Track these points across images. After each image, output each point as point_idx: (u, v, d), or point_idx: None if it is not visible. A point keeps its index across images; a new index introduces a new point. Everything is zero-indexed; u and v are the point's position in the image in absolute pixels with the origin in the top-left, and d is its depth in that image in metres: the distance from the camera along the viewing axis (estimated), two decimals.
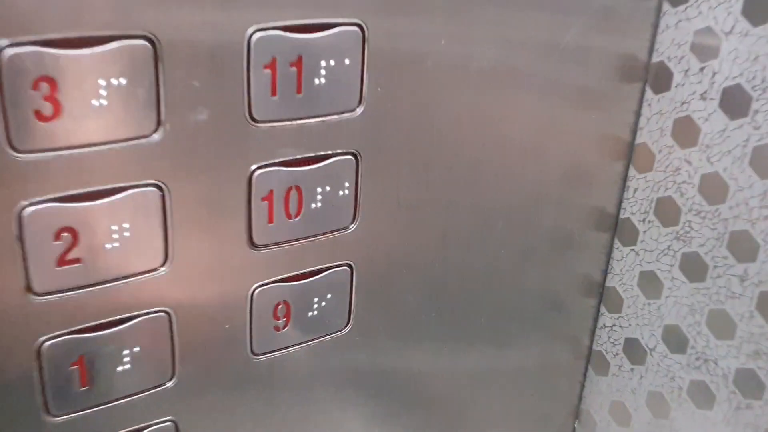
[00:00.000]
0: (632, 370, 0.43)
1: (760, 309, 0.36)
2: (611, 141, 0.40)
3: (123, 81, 0.24)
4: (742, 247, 0.36)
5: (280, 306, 0.31)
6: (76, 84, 0.23)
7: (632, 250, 0.42)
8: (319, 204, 0.30)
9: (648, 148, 0.40)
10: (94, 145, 0.25)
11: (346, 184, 0.31)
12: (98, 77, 0.24)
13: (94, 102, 0.24)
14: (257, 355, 0.32)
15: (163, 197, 0.27)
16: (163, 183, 0.26)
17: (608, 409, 0.45)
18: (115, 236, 0.26)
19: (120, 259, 0.27)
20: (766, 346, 0.36)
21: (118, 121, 0.25)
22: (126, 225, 0.26)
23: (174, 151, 0.26)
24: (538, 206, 0.39)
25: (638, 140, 0.40)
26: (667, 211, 0.39)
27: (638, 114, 0.40)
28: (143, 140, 0.25)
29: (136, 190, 0.26)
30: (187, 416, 0.31)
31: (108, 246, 0.26)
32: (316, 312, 0.33)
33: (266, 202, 0.29)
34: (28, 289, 0.25)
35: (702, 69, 0.36)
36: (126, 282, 0.27)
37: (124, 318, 0.28)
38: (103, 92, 0.24)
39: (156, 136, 0.26)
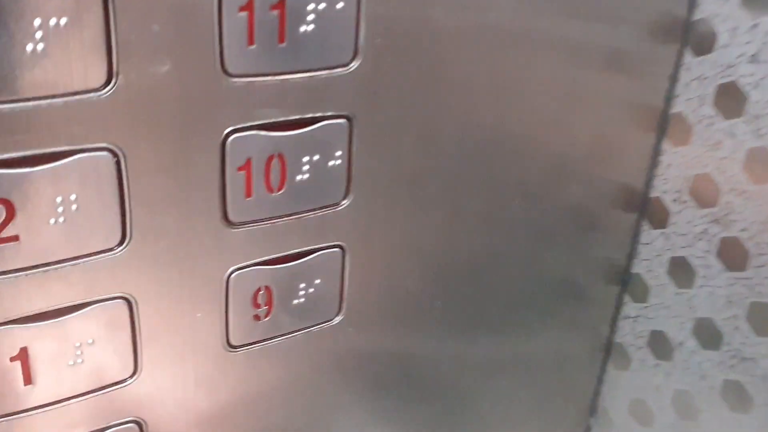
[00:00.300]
0: (657, 365, 0.39)
1: None
2: (642, 110, 0.35)
3: (63, 21, 0.20)
4: None
5: (260, 292, 0.27)
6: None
7: (662, 233, 0.37)
8: (305, 176, 0.26)
9: (684, 119, 0.35)
10: (29, 99, 0.20)
11: (338, 153, 0.26)
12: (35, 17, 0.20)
13: (30, 46, 0.20)
14: (234, 347, 0.28)
15: (118, 163, 0.22)
16: (117, 147, 0.22)
17: (628, 407, 0.41)
18: (60, 209, 0.22)
19: (67, 236, 0.22)
20: None
21: (59, 70, 0.20)
22: (73, 197, 0.22)
23: (130, 109, 0.22)
24: (558, 182, 0.34)
25: (673, 109, 0.36)
26: (704, 191, 0.35)
27: (674, 79, 0.35)
28: (91, 94, 0.21)
29: (84, 154, 0.22)
30: (154, 416, 0.27)
31: (52, 221, 0.22)
32: (302, 299, 0.28)
33: (243, 172, 0.25)
34: None
35: (754, 26, 0.31)
36: (75, 264, 0.23)
37: (75, 305, 0.24)
38: (39, 34, 0.20)
39: (107, 90, 0.21)
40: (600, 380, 0.43)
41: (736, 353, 0.35)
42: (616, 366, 0.41)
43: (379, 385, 0.33)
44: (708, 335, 0.36)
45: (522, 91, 0.31)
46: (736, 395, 0.35)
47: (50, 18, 0.20)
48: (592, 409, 0.44)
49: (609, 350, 0.42)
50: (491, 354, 0.37)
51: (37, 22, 0.20)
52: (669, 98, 0.36)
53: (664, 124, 0.36)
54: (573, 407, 0.44)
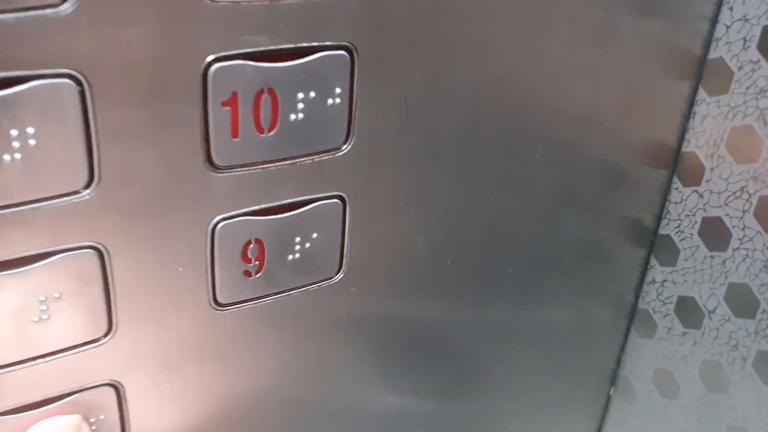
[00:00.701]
0: (684, 334, 0.36)
1: None
2: (678, 55, 0.32)
3: None
4: None
5: (251, 246, 0.25)
6: None
7: (695, 191, 0.34)
8: (300, 115, 0.23)
9: (725, 64, 0.32)
10: None
11: (338, 90, 0.23)
12: None
13: None
14: (222, 306, 0.25)
15: (82, 92, 0.20)
16: (81, 73, 0.19)
17: (651, 377, 0.38)
18: (16, 145, 0.19)
19: (25, 176, 0.20)
20: None
21: None
22: (30, 130, 0.19)
23: (95, 28, 0.19)
24: (585, 134, 0.31)
25: (712, 54, 0.32)
26: (744, 144, 0.32)
27: (714, 22, 0.32)
28: (48, 10, 0.18)
29: (43, 81, 0.19)
30: (132, 379, 0.25)
31: (7, 158, 0.19)
32: (297, 255, 0.26)
33: (228, 108, 0.22)
34: None
35: None
36: (36, 207, 0.20)
37: (38, 254, 0.21)
38: None
39: (66, 6, 0.18)
40: (622, 349, 0.40)
41: None
42: (639, 334, 0.39)
43: (384, 349, 0.31)
44: (742, 302, 0.33)
45: (547, 33, 0.28)
46: None
47: None
48: (614, 379, 0.41)
49: (633, 317, 0.39)
50: (507, 319, 0.35)
51: None
52: (708, 42, 0.32)
53: (700, 70, 0.33)
54: (593, 377, 0.41)
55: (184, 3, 0.20)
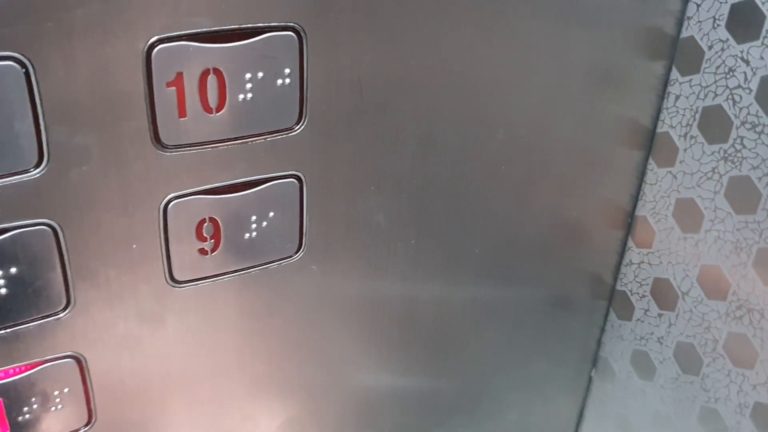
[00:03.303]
0: (660, 315, 0.36)
1: None
2: (651, 34, 0.32)
3: None
4: None
5: (205, 224, 0.25)
6: None
7: (669, 172, 0.34)
8: (249, 95, 0.24)
9: (696, 43, 0.32)
10: None
11: (287, 71, 0.24)
12: None
13: None
14: (179, 282, 0.26)
15: (26, 74, 0.20)
16: (22, 55, 0.20)
17: (630, 358, 0.39)
18: None
19: None
20: None
21: None
22: None
23: (37, 12, 0.20)
24: (552, 114, 0.31)
25: (684, 33, 0.32)
26: (714, 124, 0.32)
27: (686, 1, 0.32)
28: None
29: None
30: (94, 352, 0.26)
31: None
32: (255, 233, 0.26)
33: (173, 88, 0.22)
34: None
35: None
36: None
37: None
38: None
39: None
40: (602, 330, 0.40)
41: (743, 304, 0.32)
42: (618, 315, 0.39)
43: (349, 328, 0.31)
44: (714, 284, 0.33)
45: (505, 12, 0.28)
46: (741, 349, 0.32)
47: None
48: (595, 361, 0.41)
49: (612, 299, 0.39)
50: (478, 299, 0.35)
51: None
52: (680, 21, 0.32)
53: (673, 50, 0.33)
54: (575, 358, 0.41)
55: None
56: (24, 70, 0.20)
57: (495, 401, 0.40)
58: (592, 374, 0.41)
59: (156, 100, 0.22)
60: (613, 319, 0.39)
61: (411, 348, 0.34)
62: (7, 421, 0.25)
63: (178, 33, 0.22)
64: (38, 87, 0.21)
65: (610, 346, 0.40)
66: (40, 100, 0.21)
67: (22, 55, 0.20)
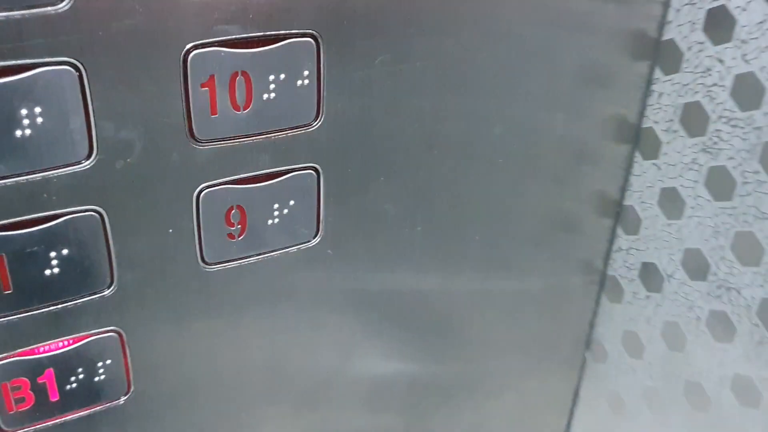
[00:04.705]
0: (648, 297, 0.39)
1: None
2: (634, 36, 0.35)
3: None
4: None
5: (233, 211, 0.28)
6: None
7: (653, 163, 0.37)
8: (272, 95, 0.26)
9: (676, 45, 0.34)
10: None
11: (306, 73, 0.27)
12: None
13: None
14: (209, 264, 0.29)
15: (80, 78, 0.23)
16: (77, 61, 0.23)
17: (621, 339, 0.41)
18: (26, 122, 0.23)
19: (35, 148, 0.23)
20: None
21: None
22: (38, 109, 0.23)
23: (88, 23, 0.23)
24: (544, 112, 0.34)
25: (666, 36, 0.35)
26: (694, 119, 0.34)
27: (666, 6, 0.34)
28: (50, 8, 0.22)
29: (46, 68, 0.23)
30: (133, 327, 0.29)
31: (18, 133, 0.23)
32: (276, 219, 0.29)
33: (206, 89, 0.25)
34: None
35: None
36: (45, 175, 0.24)
37: (47, 216, 0.25)
38: None
39: (63, 4, 0.22)
40: (594, 313, 0.43)
41: (722, 283, 0.35)
42: (609, 299, 0.42)
43: (361, 309, 0.34)
44: (696, 266, 0.36)
45: (502, 19, 0.31)
46: (721, 325, 0.35)
47: None
48: (588, 342, 0.44)
49: (603, 283, 0.42)
50: (478, 284, 0.38)
51: None
52: (662, 24, 0.35)
53: (656, 51, 0.35)
54: (569, 341, 0.44)
55: None
56: (78, 73, 0.23)
57: (494, 382, 0.43)
58: (585, 355, 0.44)
59: (191, 99, 0.25)
60: (605, 302, 0.42)
61: (414, 330, 0.37)
62: (57, 389, 0.28)
63: (210, 40, 0.25)
64: (90, 88, 0.23)
65: (602, 328, 0.42)
66: (91, 99, 0.24)
67: (76, 60, 0.23)
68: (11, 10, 0.21)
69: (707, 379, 0.37)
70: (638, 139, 0.37)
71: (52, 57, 0.23)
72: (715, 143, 0.34)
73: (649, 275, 0.39)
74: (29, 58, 0.22)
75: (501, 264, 0.38)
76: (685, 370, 0.38)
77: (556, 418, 0.47)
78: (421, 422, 0.41)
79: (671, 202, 0.36)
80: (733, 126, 0.33)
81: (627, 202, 0.39)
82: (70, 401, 0.28)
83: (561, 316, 0.43)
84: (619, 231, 0.40)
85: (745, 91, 0.32)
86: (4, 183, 0.24)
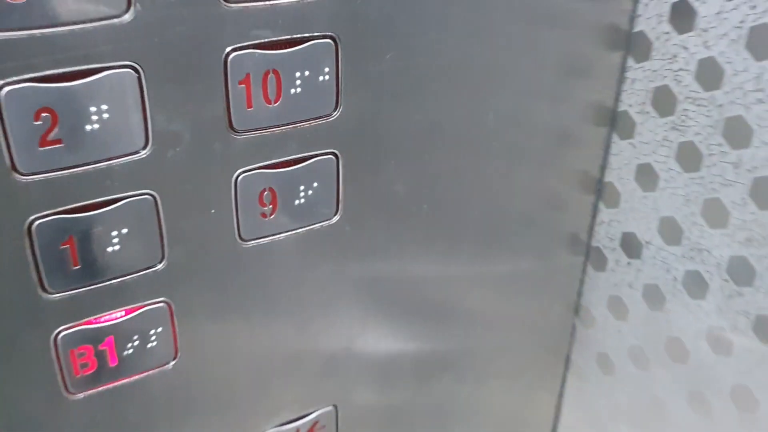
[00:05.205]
0: (629, 264, 0.43)
1: (753, 196, 0.36)
2: (609, 30, 0.39)
3: None
4: (736, 133, 0.36)
5: (265, 193, 0.32)
6: None
7: (629, 143, 0.41)
8: (298, 89, 0.30)
9: (646, 36, 0.39)
10: (67, 24, 0.25)
11: (326, 69, 0.31)
12: None
13: None
14: (245, 240, 0.33)
15: (139, 79, 0.27)
16: (137, 64, 0.27)
17: (606, 304, 0.46)
18: (95, 118, 0.27)
19: (101, 140, 0.27)
20: (758, 233, 0.36)
21: (89, 1, 0.25)
22: (104, 106, 0.27)
23: (146, 32, 0.26)
24: (530, 100, 0.39)
25: (636, 28, 0.39)
26: (663, 101, 0.39)
27: (636, 1, 0.39)
28: (115, 20, 0.26)
29: (111, 71, 0.27)
30: (180, 298, 0.32)
31: (88, 127, 0.27)
32: (302, 200, 0.33)
33: (243, 85, 0.29)
34: (14, 169, 0.26)
35: None
36: (109, 164, 0.28)
37: (110, 200, 0.29)
38: None
39: (127, 16, 0.26)
40: (581, 282, 0.47)
41: (694, 246, 0.39)
42: (594, 267, 0.46)
43: (374, 279, 0.38)
44: (670, 232, 0.40)
45: (493, 20, 0.35)
46: (695, 283, 0.40)
47: None
48: (577, 309, 0.48)
49: (588, 254, 0.46)
50: (476, 256, 0.42)
51: None
52: (633, 18, 0.39)
53: (629, 42, 0.40)
54: (559, 309, 0.48)
55: (208, 7, 0.27)
56: (137, 75, 0.27)
57: (491, 352, 0.47)
58: (575, 322, 0.48)
59: (230, 95, 0.29)
60: (590, 271, 0.46)
61: (420, 301, 0.41)
62: (116, 355, 0.32)
63: (246, 43, 0.29)
64: (147, 87, 0.27)
65: (589, 295, 0.47)
66: (148, 97, 0.28)
67: (136, 63, 0.27)
68: (85, 22, 0.25)
69: (685, 333, 0.41)
70: (615, 122, 0.42)
71: (117, 61, 0.26)
72: (683, 121, 0.38)
73: (630, 244, 0.43)
74: (99, 63, 0.26)
75: (495, 240, 0.42)
76: (665, 327, 0.42)
77: (549, 383, 0.52)
78: (426, 389, 0.45)
79: (646, 176, 0.41)
80: (698, 105, 0.37)
81: (607, 178, 0.43)
82: (127, 366, 0.32)
83: (551, 287, 0.47)
84: (601, 205, 0.44)
85: (707, 74, 0.36)
86: (75, 171, 0.27)
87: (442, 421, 0.48)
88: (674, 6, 0.37)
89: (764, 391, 0.38)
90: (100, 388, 0.32)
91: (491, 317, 0.46)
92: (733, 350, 0.39)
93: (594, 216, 0.45)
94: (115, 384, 0.32)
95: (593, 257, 0.46)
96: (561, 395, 0.51)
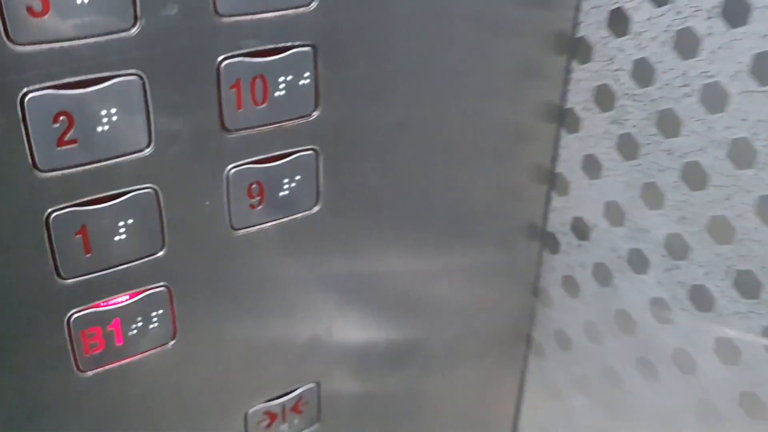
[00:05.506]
0: (579, 246, 0.48)
1: (684, 179, 0.41)
2: (555, 36, 0.44)
3: None
4: (668, 124, 0.41)
5: (253, 186, 0.36)
6: None
7: (576, 136, 0.46)
8: (282, 92, 0.34)
9: (587, 41, 0.44)
10: (82, 38, 0.29)
11: (306, 74, 0.35)
12: None
13: (77, 0, 0.28)
14: (236, 229, 0.36)
15: (143, 85, 0.31)
16: (142, 72, 0.30)
17: (561, 284, 0.50)
18: (105, 120, 0.30)
19: (110, 140, 0.31)
20: (690, 212, 0.41)
21: (100, 17, 0.29)
22: (114, 110, 0.30)
23: (150, 44, 0.30)
24: (487, 102, 0.43)
25: (579, 34, 0.44)
26: (604, 98, 0.44)
27: (578, 9, 0.44)
28: (123, 33, 0.29)
29: (120, 78, 0.30)
30: (178, 282, 0.36)
31: (99, 129, 0.30)
32: (286, 192, 0.37)
33: (234, 90, 0.33)
34: (34, 166, 0.30)
35: None
36: (117, 161, 0.32)
37: (117, 193, 0.32)
38: None
39: (134, 30, 0.30)
40: (538, 265, 0.52)
41: (635, 226, 0.44)
42: (550, 251, 0.50)
43: (352, 264, 0.42)
44: (614, 215, 0.45)
45: (449, 31, 0.39)
46: (638, 260, 0.44)
47: None
48: (535, 291, 0.53)
49: (544, 239, 0.51)
50: (443, 248, 0.46)
51: None
52: (575, 25, 0.44)
53: (573, 46, 0.45)
54: (519, 292, 0.53)
55: (203, 21, 0.31)
56: (142, 81, 0.31)
57: (457, 333, 0.51)
58: (534, 303, 0.53)
59: (222, 98, 0.33)
60: (546, 254, 0.51)
61: (393, 287, 0.45)
62: (122, 335, 0.35)
63: (236, 52, 0.32)
64: (150, 93, 0.31)
65: (545, 277, 0.51)
66: (151, 100, 0.31)
67: (142, 71, 0.30)
68: (97, 36, 0.29)
69: (631, 305, 0.46)
70: (563, 118, 0.46)
71: (125, 69, 0.30)
72: (622, 115, 0.43)
73: (579, 227, 0.48)
74: (109, 71, 0.30)
75: (460, 229, 0.46)
76: (614, 302, 0.47)
77: (513, 361, 0.56)
78: (399, 369, 0.49)
79: (592, 165, 0.46)
80: (635, 101, 0.42)
81: (558, 170, 0.48)
82: (131, 346, 0.36)
83: (511, 271, 0.51)
84: (553, 194, 0.49)
85: (641, 73, 0.41)
86: (88, 168, 0.31)
87: (414, 399, 0.52)
88: (611, 13, 0.42)
89: (701, 353, 0.43)
90: (108, 367, 0.36)
91: (457, 303, 0.50)
92: (672, 318, 0.44)
93: (547, 204, 0.49)
94: (121, 363, 0.36)
95: (548, 241, 0.50)
96: (524, 372, 0.56)
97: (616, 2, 0.41)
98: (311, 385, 0.44)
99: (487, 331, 0.53)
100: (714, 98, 0.38)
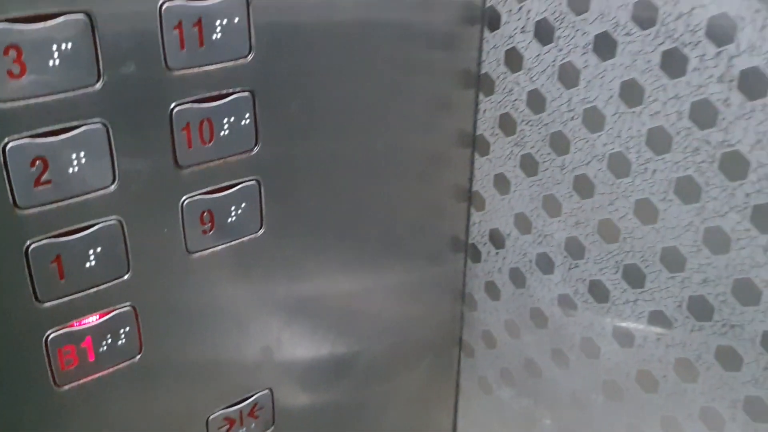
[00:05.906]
0: (497, 254, 0.55)
1: (576, 189, 0.48)
2: (463, 73, 0.51)
3: (69, 45, 0.33)
4: (559, 143, 0.48)
5: (205, 214, 0.41)
6: (35, 49, 0.33)
7: (487, 158, 0.53)
8: (226, 132, 0.40)
9: (490, 77, 0.51)
10: (55, 93, 0.34)
11: (247, 115, 0.41)
12: (51, 44, 0.33)
13: (50, 62, 0.33)
14: (192, 253, 0.42)
15: (107, 131, 0.36)
16: (106, 120, 0.36)
17: (484, 289, 0.57)
18: (75, 162, 0.35)
19: (80, 179, 0.36)
20: (583, 217, 0.48)
21: (69, 75, 0.34)
22: (82, 153, 0.36)
23: (112, 95, 0.35)
24: (410, 130, 0.49)
25: (483, 71, 0.51)
26: (507, 124, 0.51)
27: (480, 49, 0.51)
28: (89, 88, 0.35)
29: (87, 126, 0.35)
30: (143, 302, 0.41)
31: (70, 170, 0.35)
32: (234, 218, 0.42)
33: (185, 132, 0.38)
34: (15, 204, 0.35)
35: (520, 8, 0.47)
36: (86, 197, 0.37)
37: (87, 225, 0.37)
38: (56, 56, 0.33)
39: (98, 85, 0.35)
40: (464, 274, 0.58)
41: (540, 233, 0.51)
42: (473, 260, 0.57)
43: (295, 282, 0.48)
44: (523, 224, 0.52)
45: (367, 77, 0.45)
46: (545, 262, 0.51)
47: (60, 45, 0.33)
48: (463, 298, 0.59)
49: (467, 250, 0.57)
50: (375, 265, 0.52)
51: (54, 48, 0.33)
52: (479, 63, 0.51)
53: (478, 81, 0.52)
54: (448, 299, 0.59)
55: (157, 75, 0.37)
56: (106, 128, 0.36)
57: (394, 342, 0.57)
58: (462, 308, 0.59)
59: (175, 139, 0.38)
60: (470, 264, 0.57)
61: (331, 304, 0.50)
62: (93, 352, 0.40)
63: (186, 99, 0.38)
64: (113, 137, 0.36)
65: (470, 284, 0.58)
66: (114, 144, 0.36)
67: (105, 119, 0.36)
68: (68, 91, 0.34)
69: (542, 302, 0.52)
70: (475, 143, 0.53)
71: (92, 118, 0.35)
72: (522, 138, 0.50)
73: (495, 237, 0.54)
74: (77, 120, 0.35)
75: (391, 247, 0.52)
76: (528, 301, 0.54)
77: (447, 363, 0.62)
78: (344, 374, 0.55)
79: (502, 183, 0.52)
80: (531, 125, 0.49)
81: (474, 188, 0.55)
82: (102, 360, 0.40)
83: (441, 281, 0.58)
84: (473, 210, 0.55)
85: (535, 101, 0.48)
86: (61, 204, 0.36)
87: (359, 404, 0.57)
88: (507, 52, 0.49)
89: (603, 339, 0.50)
90: (82, 381, 0.40)
91: (393, 313, 0.56)
92: (576, 311, 0.51)
93: (468, 219, 0.56)
94: (93, 377, 0.40)
95: (471, 252, 0.57)
96: (458, 372, 0.62)
97: (511, 42, 0.48)
98: (265, 391, 0.49)
99: (423, 337, 0.59)
100: (593, 120, 0.46)
